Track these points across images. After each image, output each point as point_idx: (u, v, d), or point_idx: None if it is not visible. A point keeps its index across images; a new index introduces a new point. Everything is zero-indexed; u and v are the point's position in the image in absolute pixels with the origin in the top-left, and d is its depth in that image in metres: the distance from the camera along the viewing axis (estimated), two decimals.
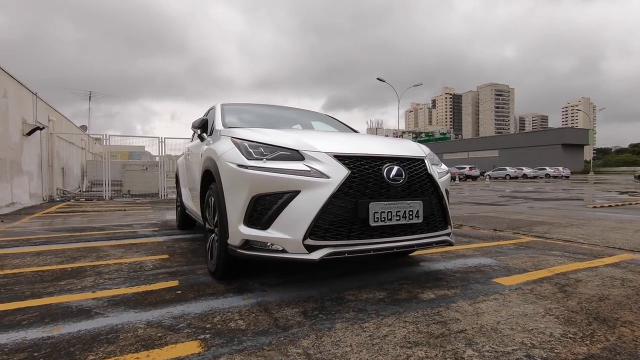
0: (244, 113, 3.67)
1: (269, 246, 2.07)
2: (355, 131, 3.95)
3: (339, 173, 2.05)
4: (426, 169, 2.38)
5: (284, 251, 2.03)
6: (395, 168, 2.20)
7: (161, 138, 12.77)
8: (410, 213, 2.22)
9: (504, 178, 37.34)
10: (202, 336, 1.70)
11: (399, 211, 2.18)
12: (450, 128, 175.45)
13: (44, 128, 10.10)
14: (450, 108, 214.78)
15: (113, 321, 1.87)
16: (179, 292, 2.33)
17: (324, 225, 2.03)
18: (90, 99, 26.03)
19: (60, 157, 12.76)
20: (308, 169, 2.07)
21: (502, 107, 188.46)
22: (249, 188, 2.09)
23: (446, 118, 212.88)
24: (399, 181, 2.18)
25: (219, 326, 1.81)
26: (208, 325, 1.81)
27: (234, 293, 2.30)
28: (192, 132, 3.92)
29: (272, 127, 3.52)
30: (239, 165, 2.15)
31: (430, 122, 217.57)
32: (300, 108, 4.40)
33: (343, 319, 1.88)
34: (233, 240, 2.19)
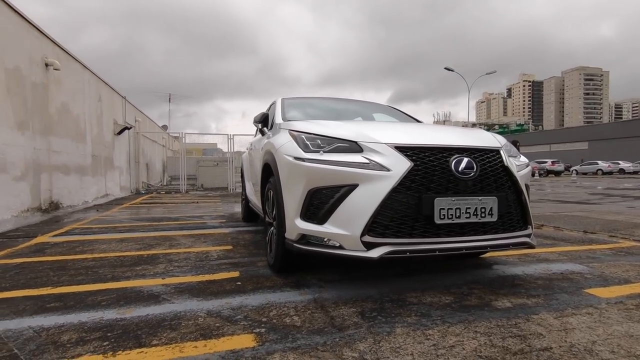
0: (304, 106, 3.64)
1: (325, 241, 1.99)
2: (419, 122, 3.71)
3: (401, 165, 1.89)
4: (502, 161, 2.10)
5: (340, 247, 1.94)
6: (465, 160, 1.97)
7: (230, 135, 13.52)
8: (483, 210, 1.98)
9: (595, 173, 32.84)
10: (258, 330, 1.68)
11: (469, 208, 1.95)
12: (529, 119, 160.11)
13: (131, 128, 11.27)
14: (529, 96, 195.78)
15: (177, 308, 1.95)
16: (239, 283, 2.37)
17: (383, 221, 1.89)
18: (170, 101, 28.57)
19: (145, 154, 14.18)
20: (367, 161, 1.95)
21: (593, 94, 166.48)
22: (306, 181, 2.04)
23: (524, 108, 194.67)
24: (469, 174, 1.96)
25: (274, 321, 1.78)
26: (264, 319, 1.80)
27: (291, 287, 2.27)
28: (255, 128, 4.01)
29: (332, 119, 3.46)
30: (296, 158, 2.11)
31: (504, 113, 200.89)
32: (361, 100, 4.26)
33: (404, 324, 1.74)
34: (290, 234, 2.16)
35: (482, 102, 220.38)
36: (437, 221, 1.89)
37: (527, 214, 2.17)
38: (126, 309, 1.94)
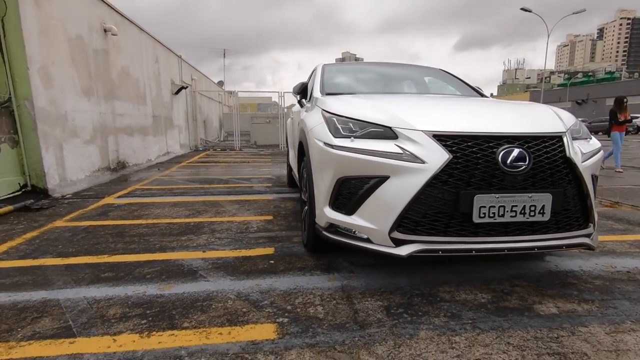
0: (346, 75, 3.42)
1: (354, 233, 1.92)
2: (476, 90, 3.31)
3: (438, 158, 1.70)
4: (564, 151, 1.80)
5: (368, 241, 1.86)
6: (516, 151, 1.72)
7: (281, 92, 13.45)
8: (532, 209, 1.75)
9: None
10: (280, 319, 1.72)
11: (516, 206, 1.73)
12: (622, 64, 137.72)
13: (187, 87, 11.68)
14: (626, 37, 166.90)
15: (211, 287, 2.06)
16: (272, 262, 2.43)
17: (415, 217, 1.76)
18: (224, 56, 28.90)
19: (201, 111, 14.78)
20: (400, 151, 1.78)
21: None
22: (335, 169, 1.94)
23: (617, 52, 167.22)
24: (520, 168, 1.71)
25: (298, 309, 1.81)
26: (289, 307, 1.84)
27: (321, 271, 2.28)
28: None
29: (377, 89, 3.22)
30: (326, 144, 2.00)
31: (592, 58, 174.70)
32: (411, 64, 3.89)
33: (430, 326, 1.67)
34: (319, 220, 2.12)
35: (565, 46, 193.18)
36: (476, 220, 1.72)
37: (590, 211, 1.89)
38: (166, 284, 2.10)
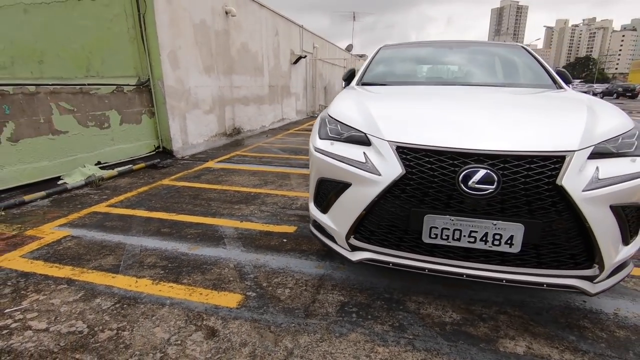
0: (397, 60, 3.25)
1: (326, 231, 2.06)
2: (552, 77, 2.73)
3: (392, 171, 1.66)
4: (555, 176, 1.50)
5: (334, 241, 1.98)
6: (482, 172, 1.52)
7: None
8: (497, 238, 1.56)
9: None
10: (250, 293, 2.06)
11: (475, 232, 1.58)
12: None
13: (306, 56, 12.35)
14: None
15: (222, 254, 2.52)
16: (285, 240, 2.75)
17: (370, 227, 1.79)
18: (354, 19, 28.64)
19: (322, 78, 15.45)
20: (364, 160, 1.79)
21: None
22: (316, 169, 2.07)
23: None
24: (484, 192, 1.53)
25: (269, 288, 2.11)
26: (264, 284, 2.15)
27: (317, 257, 2.48)
28: None
29: (421, 78, 3.03)
30: (313, 146, 2.12)
31: None
32: (487, 42, 3.37)
33: (366, 331, 1.75)
34: (310, 213, 2.30)
35: None
36: (426, 240, 1.64)
37: (595, 250, 1.55)
38: (196, 245, 2.66)
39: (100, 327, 1.76)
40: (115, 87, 5.03)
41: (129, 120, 5.29)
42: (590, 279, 1.60)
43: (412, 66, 3.17)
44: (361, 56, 27.17)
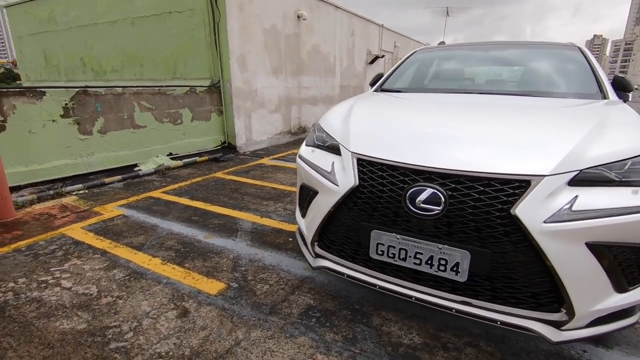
0: (426, 65, 3.09)
1: (302, 233, 2.12)
2: (620, 83, 2.32)
3: (347, 182, 1.65)
4: (511, 203, 1.34)
5: (306, 245, 2.04)
6: (428, 192, 1.43)
7: None
8: (443, 263, 1.45)
9: None
10: (233, 284, 2.24)
11: (421, 254, 1.49)
12: None
13: (383, 56, 12.16)
14: None
15: (229, 245, 2.76)
16: (290, 239, 2.88)
17: (330, 236, 1.81)
18: (447, 14, 26.92)
19: None
20: (330, 170, 1.81)
21: None
22: (298, 174, 2.15)
23: None
24: (431, 212, 1.43)
25: (252, 282, 2.27)
26: (250, 278, 2.32)
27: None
28: None
29: (445, 85, 2.85)
30: (299, 152, 2.20)
31: None
32: (537, 43, 2.97)
33: (316, 337, 1.78)
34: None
35: None
36: (373, 255, 1.60)
37: (562, 292, 1.34)
38: (212, 234, 2.96)
39: (105, 293, 2.13)
40: (188, 88, 5.73)
41: (199, 118, 5.97)
42: (557, 324, 1.38)
43: (436, 72, 2.98)
44: None
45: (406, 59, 3.21)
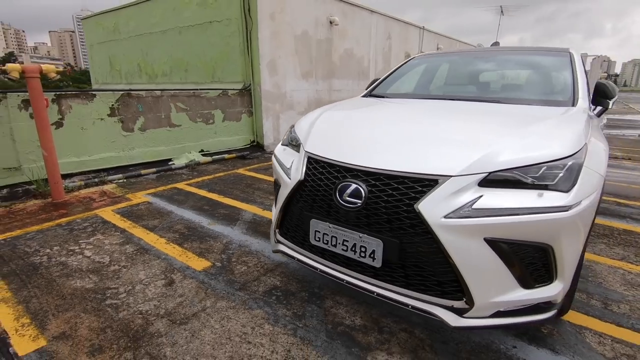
0: (417, 71, 3.20)
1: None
2: (600, 89, 2.31)
3: (296, 177, 1.90)
4: (415, 200, 1.50)
5: (274, 233, 2.30)
6: (352, 187, 1.63)
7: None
8: (363, 250, 1.65)
9: None
10: (218, 263, 2.58)
11: (347, 241, 1.69)
12: None
13: None
14: None
15: (225, 232, 3.12)
16: None
17: (286, 224, 2.06)
18: (502, 13, 25.47)
19: None
20: (288, 165, 2.07)
21: None
22: (273, 170, 2.42)
23: None
24: (354, 205, 1.64)
25: (235, 263, 2.59)
26: (234, 260, 2.64)
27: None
28: None
29: (428, 91, 2.97)
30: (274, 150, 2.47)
31: None
32: (527, 48, 2.95)
33: (269, 310, 2.04)
34: None
35: None
36: (313, 242, 1.83)
37: (461, 282, 1.47)
38: (215, 222, 3.34)
39: (115, 262, 2.57)
40: (220, 91, 6.26)
41: (230, 118, 6.49)
42: (460, 312, 1.52)
43: (420, 78, 3.09)
44: None
45: (403, 64, 3.35)
